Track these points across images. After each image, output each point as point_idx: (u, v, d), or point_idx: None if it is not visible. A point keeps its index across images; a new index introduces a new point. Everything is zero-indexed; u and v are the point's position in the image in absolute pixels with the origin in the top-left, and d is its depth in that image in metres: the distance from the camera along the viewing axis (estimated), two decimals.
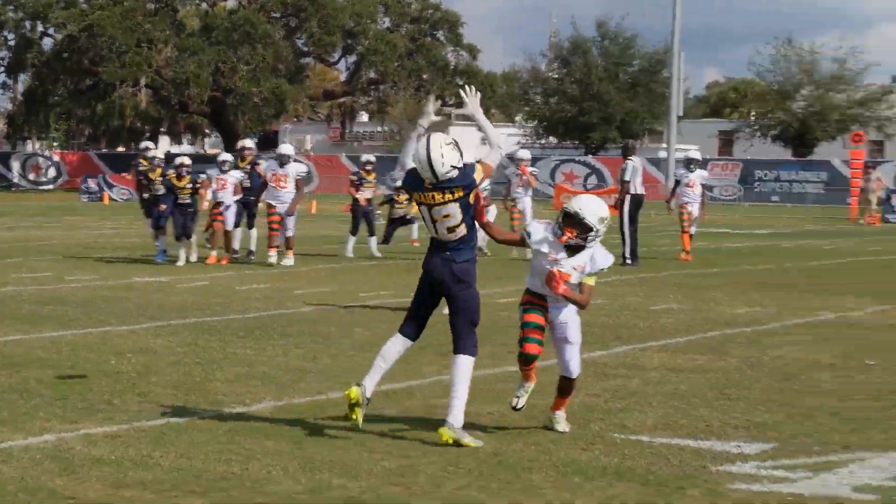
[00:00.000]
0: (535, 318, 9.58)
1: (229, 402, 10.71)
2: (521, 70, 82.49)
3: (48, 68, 74.89)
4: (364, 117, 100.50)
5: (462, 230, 9.37)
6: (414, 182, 9.46)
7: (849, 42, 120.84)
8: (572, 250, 9.51)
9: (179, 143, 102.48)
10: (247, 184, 25.96)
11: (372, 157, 29.54)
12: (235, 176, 25.55)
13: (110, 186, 62.37)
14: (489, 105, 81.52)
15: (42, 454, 8.72)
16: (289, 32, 77.36)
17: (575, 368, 9.73)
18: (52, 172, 79.58)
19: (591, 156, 72.54)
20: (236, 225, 25.82)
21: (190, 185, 25.16)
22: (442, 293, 9.49)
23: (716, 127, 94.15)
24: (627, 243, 26.35)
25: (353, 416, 9.43)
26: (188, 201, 25.13)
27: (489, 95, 79.28)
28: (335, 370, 12.44)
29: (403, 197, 28.15)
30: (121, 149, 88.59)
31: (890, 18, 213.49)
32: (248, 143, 27.39)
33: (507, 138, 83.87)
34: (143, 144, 33.79)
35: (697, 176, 27.78)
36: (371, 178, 28.27)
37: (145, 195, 28.43)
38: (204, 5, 78.50)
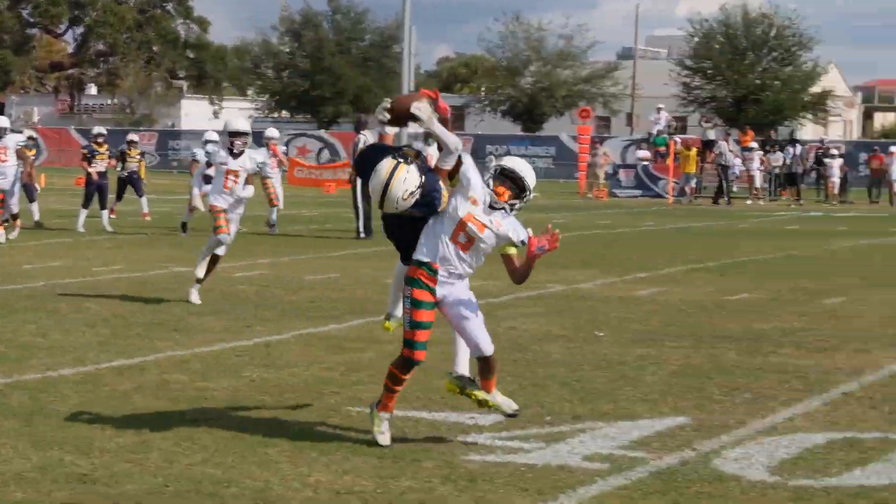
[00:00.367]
0: (426, 315, 8.59)
1: None
2: (252, 44, 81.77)
3: None
4: (93, 90, 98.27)
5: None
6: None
7: (575, 20, 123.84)
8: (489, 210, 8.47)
9: None
10: None
11: (103, 130, 29.02)
12: None
13: None
14: (220, 79, 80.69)
15: None
16: (13, 2, 75.00)
17: (487, 345, 8.65)
18: None
19: (323, 130, 72.44)
20: None
21: None
22: None
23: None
24: (360, 217, 26.45)
25: (476, 397, 8.71)
26: None
27: (220, 69, 78.46)
28: (66, 346, 12.13)
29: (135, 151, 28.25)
30: None
31: None
32: None
33: (239, 112, 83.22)
34: None
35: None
36: (103, 150, 27.77)
37: None
38: None
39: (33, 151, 35.80)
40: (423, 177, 8.36)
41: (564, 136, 64.58)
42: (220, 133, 25.34)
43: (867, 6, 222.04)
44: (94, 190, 27.34)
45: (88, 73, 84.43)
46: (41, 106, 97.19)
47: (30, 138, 36.55)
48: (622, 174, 51.66)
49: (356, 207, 26.47)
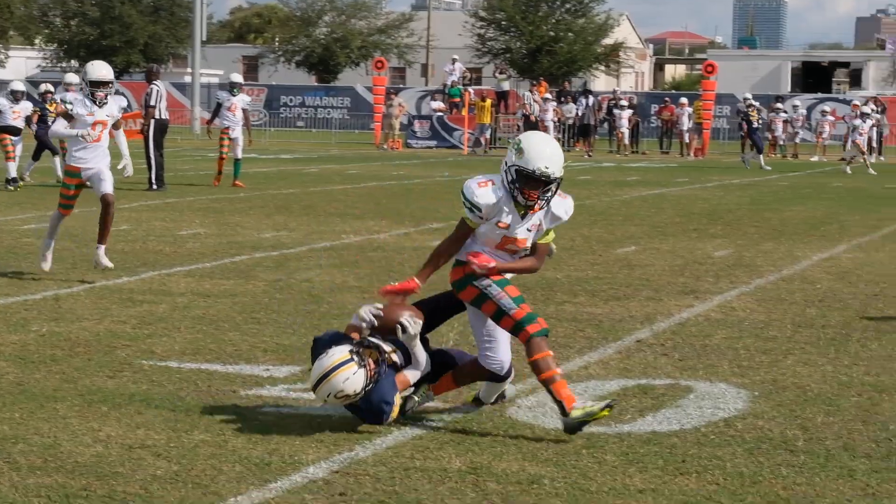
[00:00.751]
0: (515, 289, 7.70)
1: None
2: None
3: None
4: None
5: None
6: None
7: None
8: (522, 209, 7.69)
9: None
10: None
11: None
12: None
13: None
14: (6, 27, 78.37)
15: None
16: None
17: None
18: None
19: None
20: None
21: None
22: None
23: (240, 52, 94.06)
24: (153, 168, 26.01)
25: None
26: None
27: (6, 17, 76.24)
28: None
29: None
30: None
31: None
32: None
33: (27, 62, 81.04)
34: None
35: (239, 100, 27.44)
36: None
37: None
38: None
39: None
40: (374, 385, 7.61)
41: (359, 87, 64.45)
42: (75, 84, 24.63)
43: None
44: None
45: None
46: None
47: None
48: (417, 125, 51.80)
49: (148, 158, 26.02)
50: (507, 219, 7.61)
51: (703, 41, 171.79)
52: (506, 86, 54.34)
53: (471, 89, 51.99)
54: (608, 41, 72.18)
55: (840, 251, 17.23)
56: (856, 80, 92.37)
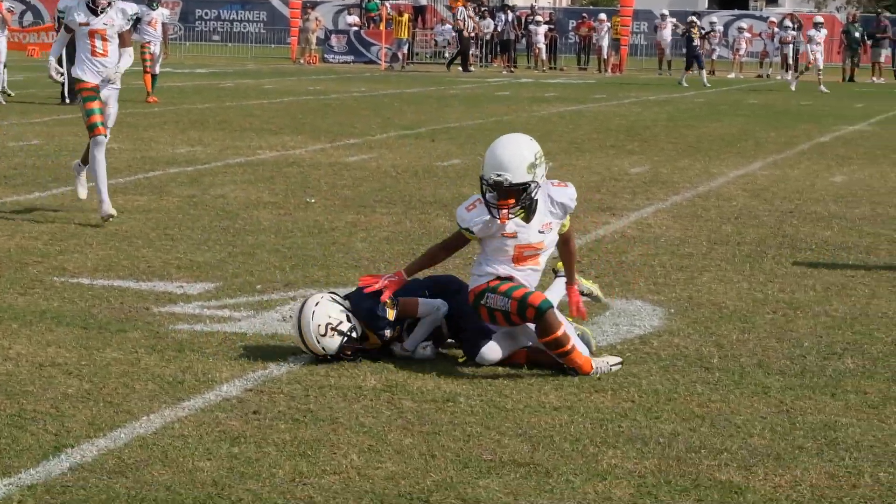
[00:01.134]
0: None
1: None
2: None
3: None
4: None
5: None
6: None
7: None
8: (524, 211, 7.27)
9: None
10: None
11: None
12: None
13: None
14: None
15: None
16: None
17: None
18: None
19: None
20: None
21: None
22: None
23: None
24: (66, 83, 25.60)
25: None
26: None
27: None
28: None
29: None
30: None
31: None
32: None
33: None
34: None
35: (159, 14, 26.98)
36: None
37: None
38: None
39: None
40: (349, 311, 7.31)
41: (276, 0, 63.72)
42: None
43: None
44: None
45: None
46: None
47: None
48: (334, 39, 51.40)
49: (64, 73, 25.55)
50: (510, 228, 7.25)
51: None
52: (423, 0, 53.97)
53: (388, 3, 51.56)
54: None
55: (756, 168, 17.32)
56: None
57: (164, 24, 27.12)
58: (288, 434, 6.04)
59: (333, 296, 7.46)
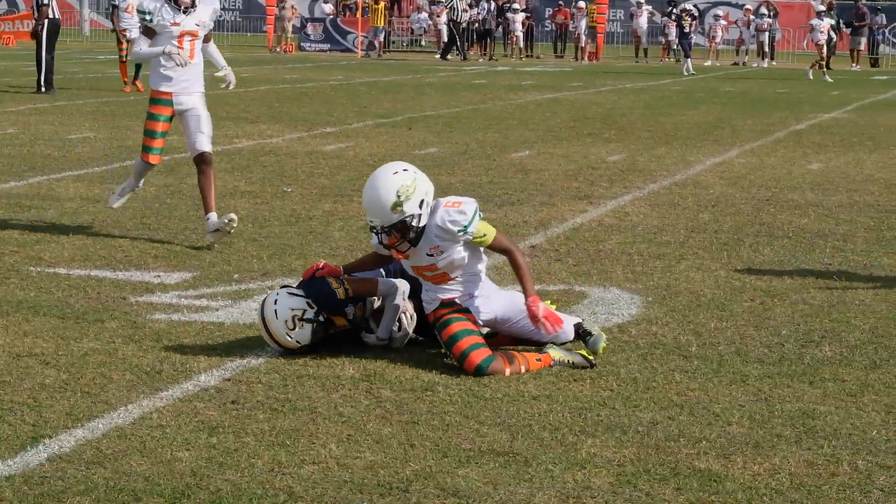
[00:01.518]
0: (462, 325, 7.07)
1: None
2: None
3: None
4: None
5: None
6: None
7: None
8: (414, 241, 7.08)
9: None
10: None
11: None
12: None
13: None
14: None
15: None
16: None
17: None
18: None
19: None
20: None
21: None
22: None
23: None
24: (43, 70, 25.49)
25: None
26: None
27: None
28: None
29: None
30: None
31: None
32: None
33: None
34: None
35: (135, 0, 26.85)
36: None
37: None
38: None
39: None
40: (307, 299, 7.26)
41: None
42: None
43: None
44: None
45: None
46: None
47: None
48: (310, 27, 51.30)
49: (39, 60, 25.44)
50: (403, 249, 7.08)
51: None
52: None
53: None
54: None
55: (732, 156, 17.35)
56: None
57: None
58: (266, 424, 6.02)
59: (288, 288, 7.42)
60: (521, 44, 48.37)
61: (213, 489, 5.23)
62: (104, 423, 5.99)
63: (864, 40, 46.48)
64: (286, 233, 10.96)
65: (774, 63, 46.60)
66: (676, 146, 18.38)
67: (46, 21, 25.73)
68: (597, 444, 5.83)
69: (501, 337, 7.40)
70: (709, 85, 33.92)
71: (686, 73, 38.58)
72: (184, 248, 10.18)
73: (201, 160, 10.67)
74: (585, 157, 16.86)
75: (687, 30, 40.66)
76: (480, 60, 45.87)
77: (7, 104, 22.80)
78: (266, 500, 5.14)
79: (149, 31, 10.52)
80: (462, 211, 7.04)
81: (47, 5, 25.79)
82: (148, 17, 10.40)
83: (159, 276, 9.21)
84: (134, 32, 26.42)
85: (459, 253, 7.09)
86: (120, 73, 26.87)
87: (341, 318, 7.37)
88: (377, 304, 7.45)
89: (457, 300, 7.17)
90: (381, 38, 47.91)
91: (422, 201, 7.02)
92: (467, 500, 5.20)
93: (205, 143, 10.69)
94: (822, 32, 38.25)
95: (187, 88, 10.67)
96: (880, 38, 48.97)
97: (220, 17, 54.15)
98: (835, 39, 43.85)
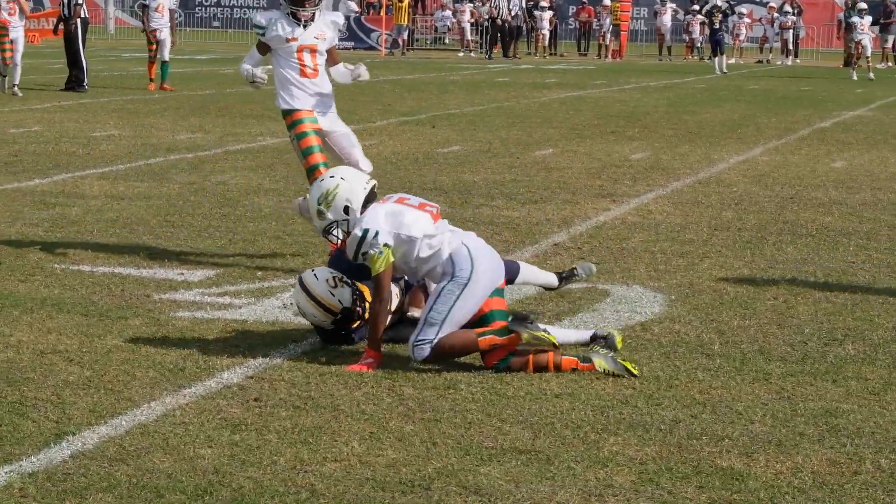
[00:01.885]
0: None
1: None
2: None
3: None
4: None
5: None
6: None
7: None
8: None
9: None
10: None
11: None
12: None
13: None
14: None
15: None
16: None
17: None
18: None
19: None
20: None
21: None
22: None
23: None
24: (85, 69, 25.66)
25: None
26: None
27: None
28: None
29: None
30: None
31: None
32: None
33: None
34: None
35: (166, 0, 26.76)
36: None
37: None
38: None
39: None
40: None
41: None
42: None
43: None
44: None
45: None
46: None
47: None
48: None
49: (77, 59, 25.47)
50: None
51: None
52: None
53: None
54: None
55: (756, 153, 17.31)
56: None
57: (170, 10, 26.92)
58: (289, 421, 6.04)
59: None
60: (546, 42, 48.29)
61: (235, 486, 5.24)
62: (127, 420, 6.01)
63: (892, 38, 46.25)
64: (310, 230, 10.95)
65: (798, 61, 46.46)
66: (700, 144, 18.34)
67: (79, 20, 25.87)
68: (619, 443, 5.83)
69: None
70: (733, 83, 33.84)
71: (719, 72, 38.17)
72: (207, 246, 10.21)
73: None
74: (609, 154, 16.84)
75: (717, 26, 40.38)
76: (504, 58, 45.77)
77: (32, 102, 22.88)
78: (288, 497, 5.16)
79: (262, 47, 9.67)
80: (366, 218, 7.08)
81: (81, 5, 25.91)
82: (260, 32, 9.58)
83: (182, 273, 9.24)
84: (164, 32, 26.52)
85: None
86: (147, 72, 26.88)
87: (367, 289, 7.39)
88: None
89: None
90: (405, 36, 47.92)
91: (346, 207, 7.19)
92: (489, 497, 5.20)
93: (365, 163, 9.70)
94: (862, 31, 37.98)
95: (319, 109, 9.65)
96: None
97: (245, 14, 53.39)
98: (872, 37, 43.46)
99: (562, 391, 6.60)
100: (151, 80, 26.61)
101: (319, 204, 7.24)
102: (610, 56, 46.83)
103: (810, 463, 5.62)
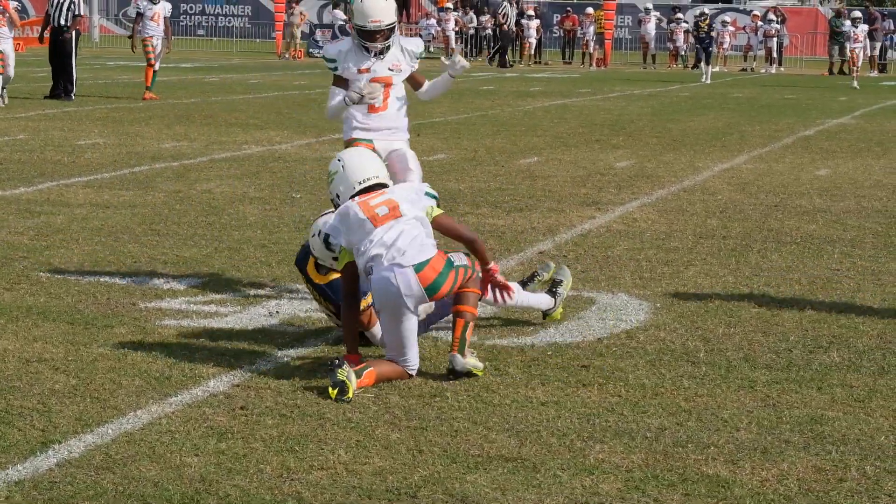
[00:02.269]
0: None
1: None
2: None
3: None
4: None
5: None
6: None
7: None
8: None
9: None
10: None
11: None
12: None
13: None
14: None
15: None
16: None
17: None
18: None
19: None
20: None
21: None
22: None
23: None
24: (75, 78, 25.65)
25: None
26: None
27: None
28: None
29: None
30: None
31: None
32: None
33: None
34: None
35: (161, 8, 26.52)
36: None
37: None
38: None
39: None
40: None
41: None
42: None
43: None
44: None
45: None
46: None
47: None
48: (319, 34, 51.34)
49: (69, 68, 25.40)
50: None
51: None
52: None
53: None
54: None
55: (740, 162, 17.35)
56: None
57: (165, 19, 26.65)
58: (275, 430, 6.04)
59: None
60: (533, 51, 48.32)
61: (221, 495, 5.25)
62: (113, 429, 6.01)
63: (878, 45, 46.39)
64: (295, 239, 10.97)
65: (782, 69, 46.57)
66: (684, 152, 18.38)
67: (74, 30, 25.88)
68: (605, 450, 5.84)
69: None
70: (717, 91, 33.92)
71: (706, 80, 38.07)
72: (193, 254, 10.21)
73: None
74: (594, 163, 16.87)
75: (703, 35, 40.37)
76: (489, 66, 45.82)
77: (17, 110, 22.84)
78: None
79: (339, 80, 8.91)
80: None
81: (81, 16, 25.95)
82: (332, 66, 8.90)
83: (168, 281, 9.23)
84: (158, 41, 26.32)
85: None
86: (145, 81, 26.39)
87: None
88: None
89: None
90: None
91: (337, 194, 7.43)
92: None
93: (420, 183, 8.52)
94: (856, 40, 38.04)
95: (387, 139, 9.00)
96: (888, 43, 48.89)
97: (229, 22, 53.16)
98: (846, 45, 43.61)
99: (547, 399, 6.61)
100: (148, 87, 26.17)
101: (328, 176, 7.56)
102: (594, 64, 46.90)
103: (796, 470, 5.63)
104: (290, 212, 12.39)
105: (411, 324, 6.99)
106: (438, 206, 7.35)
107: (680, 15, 48.94)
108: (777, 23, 46.51)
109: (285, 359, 7.26)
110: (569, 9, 52.72)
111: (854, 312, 8.65)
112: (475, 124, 22.27)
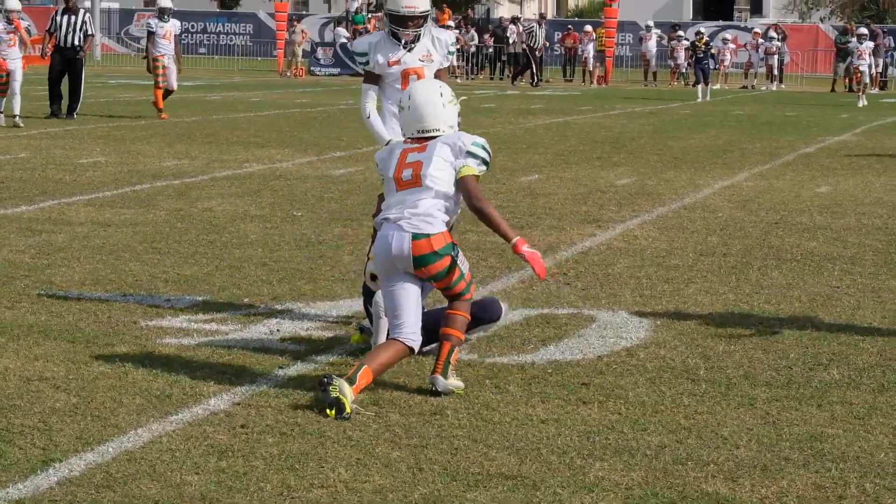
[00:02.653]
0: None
1: None
2: None
3: None
4: None
5: None
6: None
7: None
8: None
9: None
10: None
11: None
12: None
13: None
14: None
15: None
16: None
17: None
18: None
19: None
20: None
21: None
22: None
23: None
24: (81, 97, 25.70)
25: None
26: None
27: None
28: None
29: None
30: None
31: None
32: None
33: None
34: None
35: (172, 26, 26.35)
36: None
37: None
38: None
39: None
40: None
41: (262, 13, 63.76)
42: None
43: None
44: None
45: None
46: None
47: None
48: (321, 52, 51.42)
49: (79, 86, 25.41)
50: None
51: None
52: None
53: (375, 16, 51.57)
54: None
55: (741, 179, 17.37)
56: (757, 7, 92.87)
57: (175, 37, 26.50)
58: (276, 448, 6.05)
59: None
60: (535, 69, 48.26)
61: None
62: (114, 447, 6.02)
63: (881, 62, 46.42)
64: (296, 257, 11.00)
65: (783, 86, 46.62)
66: (685, 169, 18.40)
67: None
68: (605, 468, 5.85)
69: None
70: (717, 108, 33.95)
71: (702, 99, 38.02)
72: (194, 272, 10.22)
73: None
74: (594, 180, 16.89)
75: (701, 55, 40.32)
76: (512, 84, 45.86)
77: (19, 128, 22.87)
78: None
79: (370, 76, 8.68)
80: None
81: (93, 35, 26.04)
82: (363, 61, 8.63)
83: (169, 300, 9.25)
84: (169, 59, 26.20)
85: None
86: (155, 100, 26.12)
87: None
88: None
89: None
90: None
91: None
92: None
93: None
94: (862, 57, 38.00)
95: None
96: (888, 60, 48.92)
97: (231, 41, 53.15)
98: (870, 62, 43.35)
99: (547, 416, 6.62)
100: (160, 109, 25.87)
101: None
102: (595, 82, 46.95)
103: (795, 487, 5.64)
104: (291, 230, 12.41)
105: (405, 288, 7.10)
106: (488, 167, 7.80)
107: (681, 32, 49.05)
108: (778, 40, 46.57)
109: (286, 377, 7.27)
110: (570, 27, 52.79)
111: (854, 330, 8.66)
112: None
